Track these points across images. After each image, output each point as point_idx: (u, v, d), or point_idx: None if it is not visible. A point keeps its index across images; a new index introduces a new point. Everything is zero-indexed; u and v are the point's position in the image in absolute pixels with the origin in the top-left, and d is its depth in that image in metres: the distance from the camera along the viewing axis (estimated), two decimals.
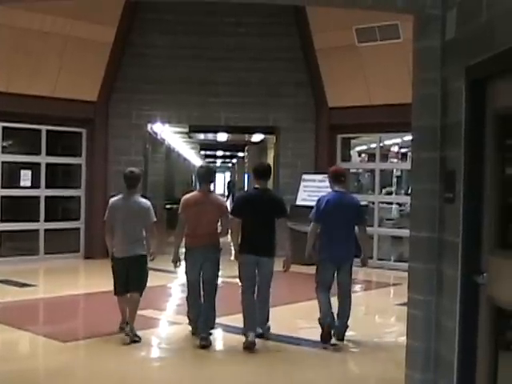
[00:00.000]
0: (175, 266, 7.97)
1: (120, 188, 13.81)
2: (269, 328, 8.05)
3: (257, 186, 7.88)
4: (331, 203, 7.79)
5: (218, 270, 7.91)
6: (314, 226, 7.89)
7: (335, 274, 7.91)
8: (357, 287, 12.30)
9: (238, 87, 15.25)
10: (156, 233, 8.05)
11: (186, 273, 7.94)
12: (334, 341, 7.82)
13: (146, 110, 15.25)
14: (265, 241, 7.65)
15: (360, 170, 19.78)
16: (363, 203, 15.89)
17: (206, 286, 7.89)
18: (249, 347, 7.49)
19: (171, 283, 11.91)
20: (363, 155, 20.52)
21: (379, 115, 13.63)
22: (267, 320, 8.03)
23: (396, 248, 15.82)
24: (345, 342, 7.92)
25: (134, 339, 7.66)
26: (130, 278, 7.78)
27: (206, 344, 7.58)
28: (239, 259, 7.73)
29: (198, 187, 8.18)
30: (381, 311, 10.30)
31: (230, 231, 7.87)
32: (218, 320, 8.14)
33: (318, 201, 7.94)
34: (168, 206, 20.91)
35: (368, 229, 14.43)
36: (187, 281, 8.01)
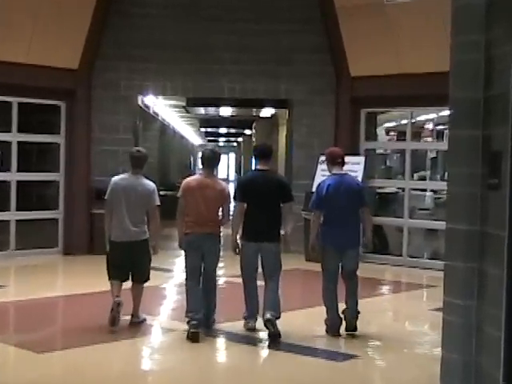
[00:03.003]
0: (182, 249, 8.55)
1: (106, 171, 13.92)
2: (278, 317, 8.28)
3: (259, 167, 8.47)
4: (332, 187, 8.34)
5: (218, 260, 8.56)
6: (316, 214, 8.42)
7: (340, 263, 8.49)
8: (384, 289, 12.31)
9: (244, 53, 15.18)
10: (159, 217, 8.64)
11: (185, 261, 8.50)
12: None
13: (137, 80, 15.21)
14: (267, 227, 8.25)
15: (388, 151, 19.72)
16: (392, 190, 15.93)
17: (206, 276, 8.46)
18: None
19: (166, 283, 11.92)
20: (392, 133, 20.45)
21: (410, 86, 13.54)
22: (279, 308, 8.32)
23: (430, 243, 15.78)
24: (369, 354, 7.94)
25: (141, 323, 8.76)
26: (133, 267, 8.59)
27: (208, 324, 8.46)
28: (241, 247, 8.38)
29: (200, 170, 8.79)
30: (412, 317, 10.29)
31: (231, 217, 8.49)
32: (218, 326, 8.52)
33: (318, 186, 8.55)
34: (162, 193, 20.92)
35: (397, 220, 14.80)
36: (186, 270, 8.49)
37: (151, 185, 8.65)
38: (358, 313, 8.49)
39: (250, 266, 8.41)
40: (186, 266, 8.53)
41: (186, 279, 8.50)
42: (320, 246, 8.45)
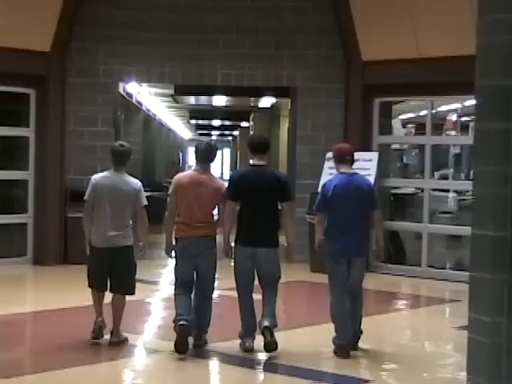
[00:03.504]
0: (170, 257, 8.72)
1: (83, 169, 13.89)
2: (276, 325, 8.38)
3: (254, 162, 8.58)
4: (339, 188, 8.47)
5: (215, 267, 8.60)
6: (321, 216, 8.60)
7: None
8: (400, 304, 12.29)
9: (241, 34, 15.18)
10: (146, 219, 8.76)
11: (176, 268, 8.60)
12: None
13: (117, 65, 15.20)
14: (264, 229, 8.34)
15: (405, 146, 19.73)
16: (410, 190, 15.93)
17: (200, 284, 8.51)
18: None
19: (150, 297, 11.91)
20: (409, 126, 20.46)
21: (431, 72, 13.55)
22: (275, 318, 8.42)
23: (453, 251, 15.76)
24: (384, 378, 7.93)
25: (122, 343, 8.67)
26: (115, 276, 8.64)
27: (200, 343, 8.49)
28: (234, 252, 8.46)
29: (193, 166, 8.87)
30: (432, 336, 10.28)
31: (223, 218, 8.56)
32: (212, 347, 8.49)
33: (324, 186, 8.66)
34: (147, 194, 20.94)
35: (416, 225, 14.79)
36: (176, 279, 8.56)
37: (137, 183, 8.77)
38: (361, 332, 8.57)
39: (245, 275, 8.44)
40: (175, 277, 8.57)
41: (175, 289, 8.53)
42: (325, 253, 8.52)
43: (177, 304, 8.44)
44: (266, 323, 8.21)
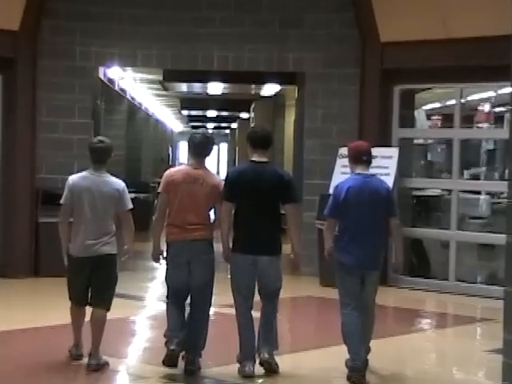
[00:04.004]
0: (157, 263, 8.85)
1: (57, 167, 13.90)
2: (276, 348, 8.43)
3: (254, 158, 8.62)
4: (354, 190, 8.52)
5: (213, 274, 8.66)
6: (330, 222, 8.66)
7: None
8: (425, 323, 12.28)
9: (241, 11, 15.20)
10: (132, 223, 8.77)
11: (167, 277, 8.69)
12: None
13: (97, 46, 15.19)
14: (264, 234, 8.37)
15: (429, 141, 19.71)
16: (435, 192, 15.92)
17: (194, 297, 8.54)
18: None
19: (135, 315, 11.91)
20: (435, 118, 20.46)
21: (460, 55, 13.54)
22: (276, 341, 8.43)
23: (485, 263, 15.74)
24: None
25: (102, 367, 8.55)
26: (94, 287, 8.68)
27: (193, 368, 8.42)
28: (231, 260, 8.53)
29: (187, 160, 8.95)
30: (461, 361, 10.28)
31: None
32: (208, 372, 8.45)
33: (336, 188, 8.71)
34: (131, 196, 20.94)
35: (442, 232, 14.77)
36: (168, 288, 8.62)
37: (120, 184, 8.79)
38: (369, 351, 8.58)
39: (244, 287, 8.45)
40: (167, 285, 8.62)
41: (168, 300, 8.59)
42: (335, 263, 8.57)
43: (168, 315, 8.51)
44: (264, 355, 8.25)
